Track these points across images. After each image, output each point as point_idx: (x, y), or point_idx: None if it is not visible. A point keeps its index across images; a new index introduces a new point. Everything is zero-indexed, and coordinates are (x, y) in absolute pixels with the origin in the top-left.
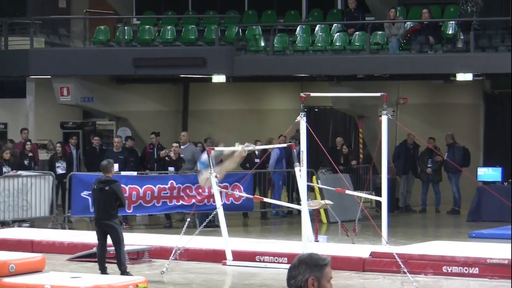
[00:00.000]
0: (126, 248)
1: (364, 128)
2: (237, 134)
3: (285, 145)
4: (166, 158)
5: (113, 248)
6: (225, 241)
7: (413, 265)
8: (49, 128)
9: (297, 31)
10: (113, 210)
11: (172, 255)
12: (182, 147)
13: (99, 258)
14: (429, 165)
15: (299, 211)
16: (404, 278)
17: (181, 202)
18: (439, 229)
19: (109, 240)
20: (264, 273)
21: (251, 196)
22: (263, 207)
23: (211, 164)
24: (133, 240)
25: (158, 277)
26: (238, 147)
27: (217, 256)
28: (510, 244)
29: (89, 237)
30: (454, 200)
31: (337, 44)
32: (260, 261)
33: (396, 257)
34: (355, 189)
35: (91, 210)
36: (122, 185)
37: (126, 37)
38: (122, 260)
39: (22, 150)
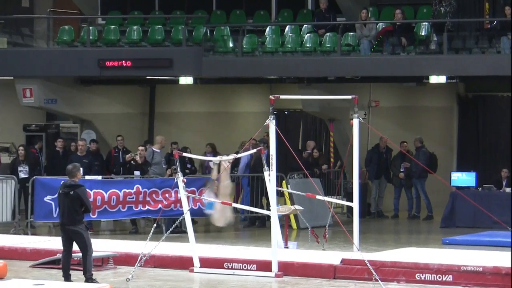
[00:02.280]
0: None
1: (335, 131)
2: (204, 137)
3: (254, 150)
4: (132, 162)
5: (78, 254)
6: (192, 247)
7: (385, 272)
8: (11, 131)
9: (266, 32)
10: (77, 215)
11: (138, 261)
12: (158, 150)
13: (63, 264)
14: (401, 170)
15: (268, 217)
16: (376, 285)
17: (147, 207)
18: (412, 235)
19: (75, 247)
20: (232, 280)
21: (218, 201)
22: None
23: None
24: (98, 246)
25: (123, 284)
26: (217, 158)
27: (184, 263)
28: (511, 252)
29: (53, 243)
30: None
31: (308, 45)
32: (228, 268)
33: (368, 264)
34: (326, 194)
35: (55, 215)
36: (86, 190)
37: (91, 37)
38: (88, 267)
39: None
